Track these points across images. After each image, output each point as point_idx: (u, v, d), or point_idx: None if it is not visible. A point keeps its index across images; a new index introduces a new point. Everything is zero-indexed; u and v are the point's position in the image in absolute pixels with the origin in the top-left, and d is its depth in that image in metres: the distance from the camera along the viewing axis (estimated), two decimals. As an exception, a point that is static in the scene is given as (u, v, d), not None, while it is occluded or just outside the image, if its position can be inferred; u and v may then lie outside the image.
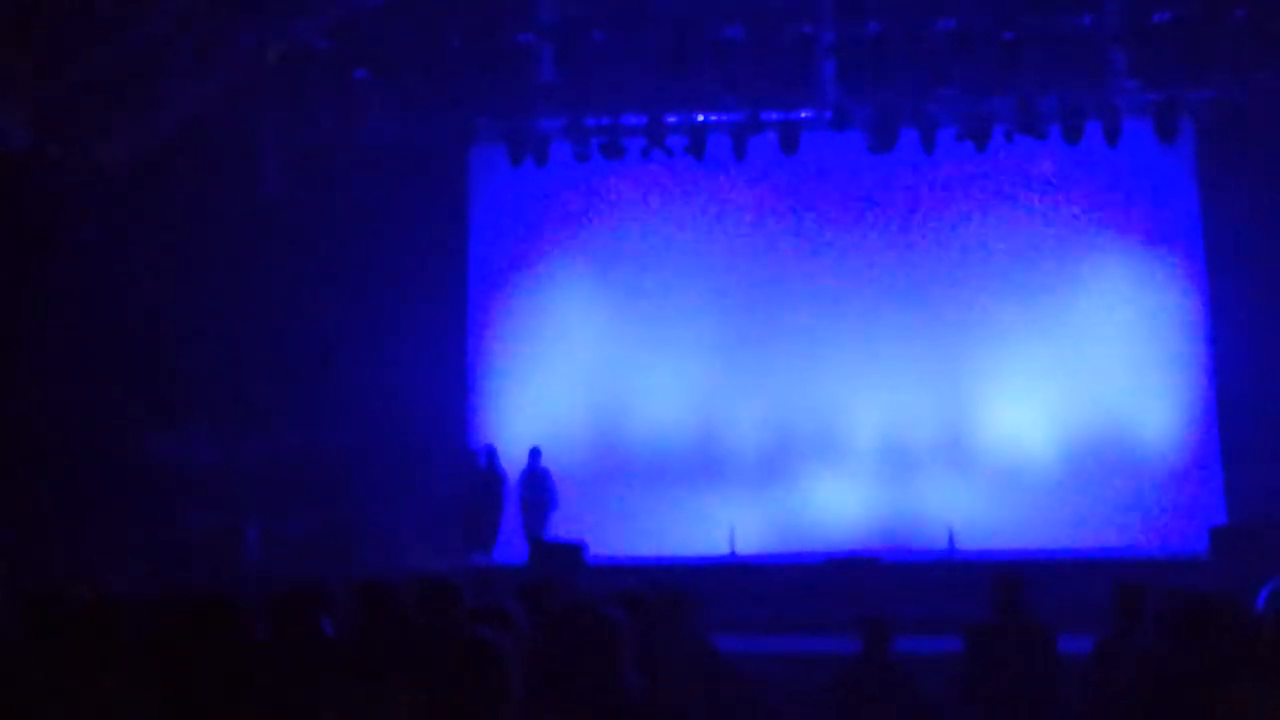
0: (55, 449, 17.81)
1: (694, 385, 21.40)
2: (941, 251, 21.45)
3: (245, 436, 20.37)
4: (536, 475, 20.45)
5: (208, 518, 19.41)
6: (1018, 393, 20.93)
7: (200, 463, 20.06)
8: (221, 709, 6.06)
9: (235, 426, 20.41)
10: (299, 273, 20.65)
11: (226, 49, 19.43)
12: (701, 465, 21.22)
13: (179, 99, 19.73)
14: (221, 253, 20.14)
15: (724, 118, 20.67)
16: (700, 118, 20.73)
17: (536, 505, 20.25)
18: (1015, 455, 20.84)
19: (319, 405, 20.53)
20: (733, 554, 19.94)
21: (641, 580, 9.55)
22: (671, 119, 20.70)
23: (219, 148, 20.06)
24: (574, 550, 18.51)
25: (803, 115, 20.67)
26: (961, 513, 20.21)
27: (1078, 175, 21.19)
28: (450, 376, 21.60)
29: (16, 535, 16.51)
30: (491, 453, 20.68)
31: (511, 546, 20.10)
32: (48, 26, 16.52)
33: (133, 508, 18.69)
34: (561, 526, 19.98)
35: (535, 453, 20.55)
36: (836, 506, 20.83)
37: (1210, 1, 19.22)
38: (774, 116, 20.56)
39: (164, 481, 19.42)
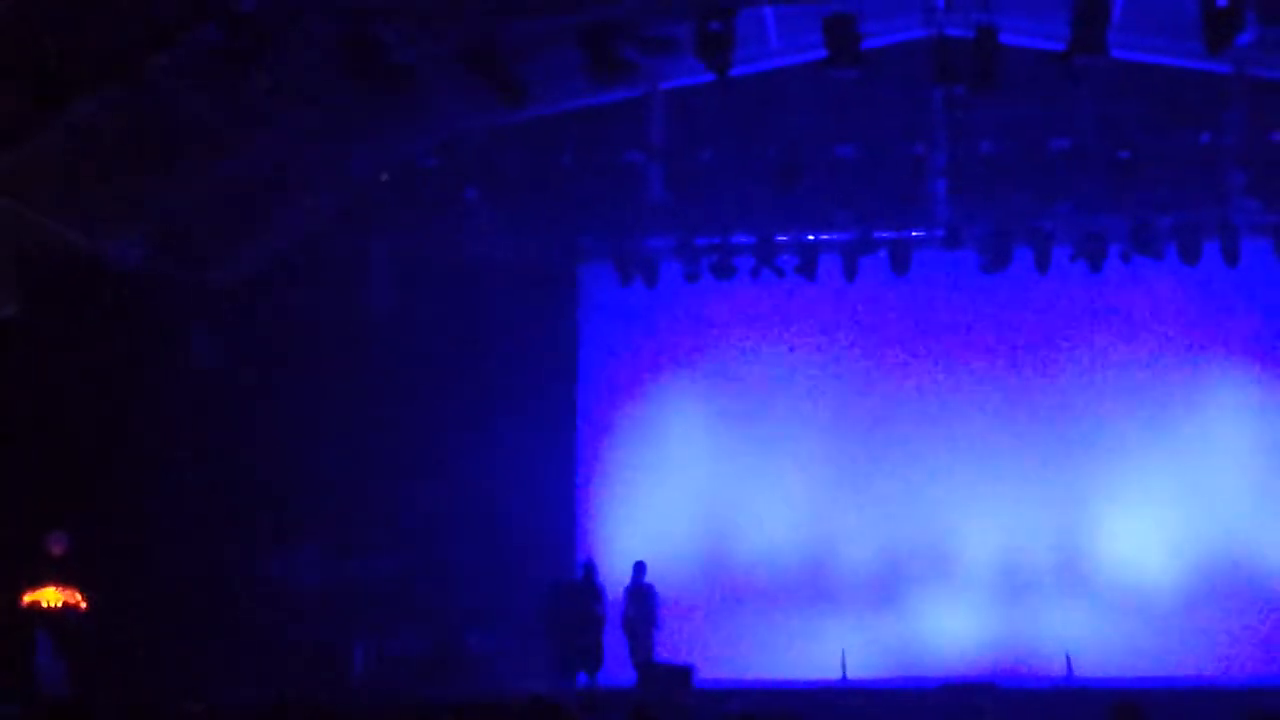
0: (167, 566, 17.87)
1: (804, 505, 21.22)
2: (1055, 372, 21.22)
3: (352, 554, 20.36)
4: (641, 591, 20.05)
5: (315, 634, 19.38)
6: (1136, 515, 20.58)
7: (308, 580, 20.07)
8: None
9: (342, 544, 20.41)
10: (409, 389, 20.73)
11: (338, 169, 19.64)
12: (812, 587, 20.97)
13: (291, 218, 19.96)
14: (332, 370, 20.28)
15: (835, 237, 20.61)
16: (811, 237, 20.67)
17: (640, 623, 19.81)
18: (1135, 579, 20.44)
19: (426, 523, 20.51)
20: (844, 678, 19.64)
21: (751, 704, 9.40)
22: (782, 238, 20.68)
23: (331, 265, 20.28)
24: (683, 673, 18.28)
25: (914, 234, 20.56)
26: (1080, 638, 19.87)
27: (1195, 295, 20.87)
28: (558, 495, 21.51)
29: (130, 650, 16.53)
30: (590, 567, 20.30)
31: (616, 666, 19.80)
32: (162, 148, 16.74)
33: (242, 624, 18.72)
34: (669, 647, 19.67)
35: (640, 567, 20.13)
36: (950, 631, 20.49)
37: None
38: (885, 235, 20.48)
39: (273, 598, 19.45)
